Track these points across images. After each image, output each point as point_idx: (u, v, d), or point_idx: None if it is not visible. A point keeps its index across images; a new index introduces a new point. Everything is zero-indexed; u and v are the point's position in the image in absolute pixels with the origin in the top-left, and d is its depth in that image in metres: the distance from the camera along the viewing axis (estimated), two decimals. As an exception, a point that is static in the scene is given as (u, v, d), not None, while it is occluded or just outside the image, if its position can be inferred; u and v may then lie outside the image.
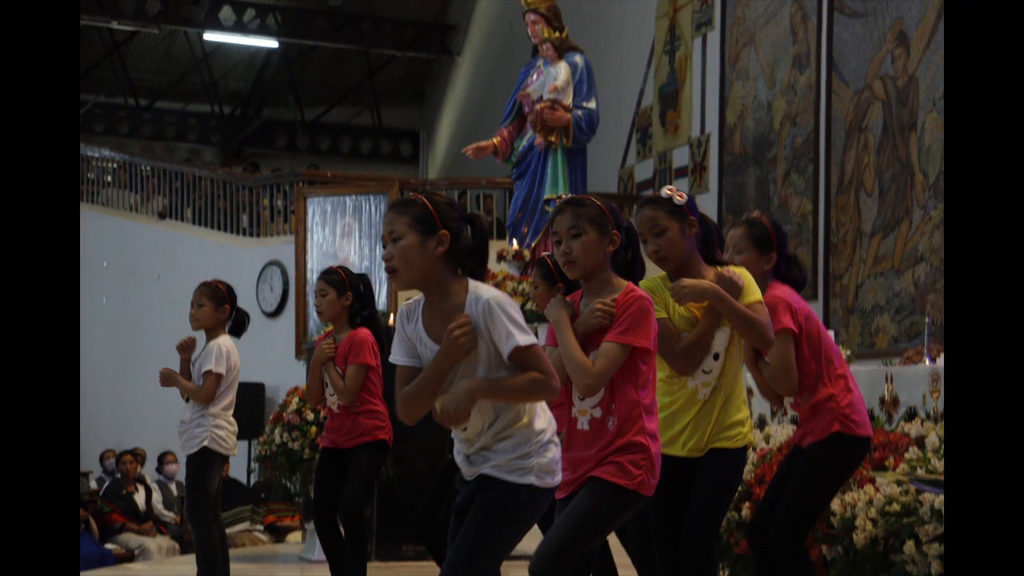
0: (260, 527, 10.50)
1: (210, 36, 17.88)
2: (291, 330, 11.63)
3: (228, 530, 7.46)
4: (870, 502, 4.25)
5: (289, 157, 19.05)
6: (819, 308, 9.47)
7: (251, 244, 12.94)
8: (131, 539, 10.33)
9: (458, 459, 3.13)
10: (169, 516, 10.92)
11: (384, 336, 5.36)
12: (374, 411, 5.38)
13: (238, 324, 5.73)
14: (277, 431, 7.35)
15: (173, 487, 11.24)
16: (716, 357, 3.71)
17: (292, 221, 12.10)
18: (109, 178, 14.76)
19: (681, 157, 11.87)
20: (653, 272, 3.75)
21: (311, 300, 10.03)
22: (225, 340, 5.62)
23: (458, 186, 12.15)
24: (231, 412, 5.63)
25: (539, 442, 3.07)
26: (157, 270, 13.39)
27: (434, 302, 3.08)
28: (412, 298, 3.15)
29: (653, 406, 3.37)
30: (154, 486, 11.09)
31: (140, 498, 10.76)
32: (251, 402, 10.56)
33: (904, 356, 6.33)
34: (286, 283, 12.19)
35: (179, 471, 10.92)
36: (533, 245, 9.05)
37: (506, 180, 10.08)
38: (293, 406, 7.43)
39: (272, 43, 18.18)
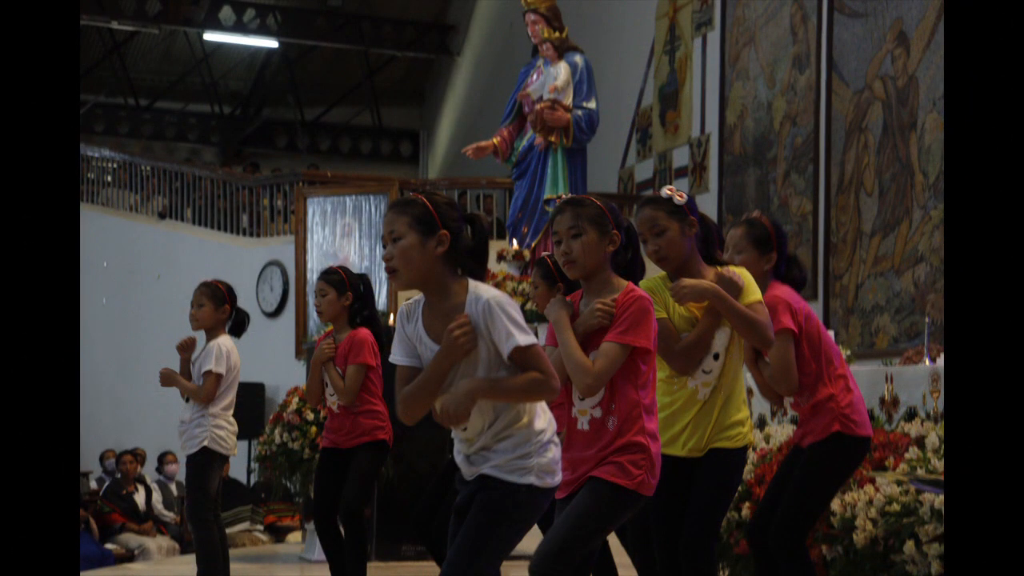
0: (260, 527, 10.51)
1: (210, 36, 17.87)
2: (291, 330, 11.54)
3: (228, 530, 7.47)
4: (870, 502, 4.26)
5: (289, 157, 19.00)
6: (819, 308, 9.44)
7: (251, 244, 12.84)
8: (131, 539, 10.35)
9: (458, 459, 3.13)
10: (169, 516, 10.92)
11: (384, 336, 5.34)
12: (374, 411, 5.37)
13: (238, 324, 5.72)
14: (277, 431, 7.35)
15: (173, 487, 11.24)
16: (716, 357, 3.70)
17: (292, 221, 12.00)
18: (109, 178, 14.70)
19: (681, 157, 11.83)
20: (653, 272, 3.75)
21: (311, 300, 10.01)
22: (225, 340, 5.61)
23: (458, 186, 12.12)
24: (231, 412, 5.63)
25: (539, 442, 3.06)
26: (157, 270, 13.30)
27: (434, 302, 3.07)
28: (412, 298, 3.15)
29: (653, 406, 3.36)
30: (154, 486, 11.09)
31: (140, 498, 10.77)
32: (251, 402, 10.53)
33: (904, 356, 6.33)
34: (286, 283, 12.07)
35: (179, 471, 10.93)
36: (533, 245, 9.03)
37: (506, 180, 10.04)
38: (293, 406, 7.42)
39: (272, 43, 18.17)
